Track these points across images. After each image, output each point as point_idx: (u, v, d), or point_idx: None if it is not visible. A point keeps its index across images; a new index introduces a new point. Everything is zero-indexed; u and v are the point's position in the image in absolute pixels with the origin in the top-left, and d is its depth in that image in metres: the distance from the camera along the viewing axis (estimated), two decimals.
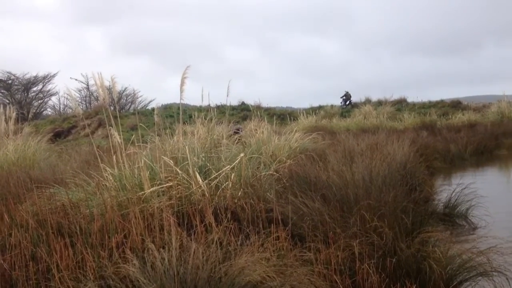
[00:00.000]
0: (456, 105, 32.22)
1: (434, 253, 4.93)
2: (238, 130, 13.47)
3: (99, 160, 6.32)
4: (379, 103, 33.78)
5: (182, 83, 6.92)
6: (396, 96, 36.43)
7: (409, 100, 36.45)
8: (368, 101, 34.89)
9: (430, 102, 34.97)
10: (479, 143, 18.76)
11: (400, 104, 34.41)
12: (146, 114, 28.53)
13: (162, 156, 6.39)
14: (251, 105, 29.29)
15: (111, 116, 6.59)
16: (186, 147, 6.53)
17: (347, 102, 32.89)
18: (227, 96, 8.32)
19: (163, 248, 3.79)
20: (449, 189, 9.66)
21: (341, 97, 33.67)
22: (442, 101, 34.61)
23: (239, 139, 12.97)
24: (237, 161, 6.55)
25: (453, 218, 8.36)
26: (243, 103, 35.74)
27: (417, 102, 35.72)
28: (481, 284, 4.79)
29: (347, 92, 33.10)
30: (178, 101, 7.33)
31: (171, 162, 6.28)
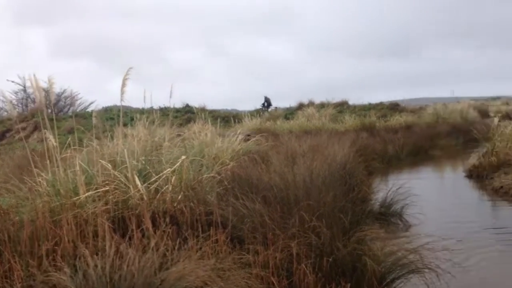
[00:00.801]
0: (394, 107, 33.31)
1: (369, 251, 5.08)
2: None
3: (32, 164, 6.08)
4: (322, 105, 34.38)
5: (123, 85, 6.79)
6: (338, 99, 37.20)
7: (351, 102, 37.35)
8: (311, 104, 35.44)
9: (370, 104, 35.97)
10: (415, 143, 19.50)
11: (342, 106, 35.17)
12: (85, 116, 27.68)
13: (100, 160, 6.23)
14: (195, 107, 29.01)
15: (46, 119, 6.37)
16: (125, 150, 6.39)
17: (267, 107, 32.75)
18: (170, 98, 8.23)
19: (97, 254, 3.69)
20: (386, 188, 9.98)
21: (261, 104, 33.37)
22: (381, 103, 35.68)
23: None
24: (178, 163, 6.49)
25: (389, 216, 8.65)
26: (187, 106, 35.41)
27: (358, 105, 36.65)
28: (412, 281, 4.98)
29: (267, 97, 32.99)
30: (120, 103, 7.18)
31: (109, 166, 6.14)
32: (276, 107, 33.09)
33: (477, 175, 13.37)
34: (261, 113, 28.72)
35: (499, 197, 10.87)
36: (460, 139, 21.47)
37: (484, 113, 32.69)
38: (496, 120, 17.57)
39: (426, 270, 4.86)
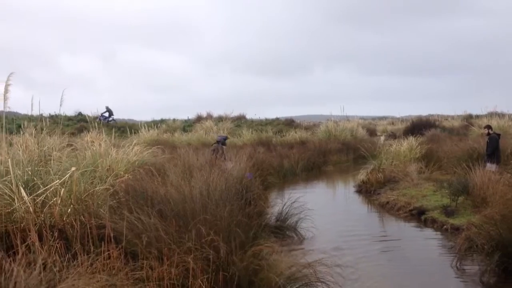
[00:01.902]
0: (290, 123, 34.46)
1: (266, 265, 5.15)
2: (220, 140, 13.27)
3: None
4: (220, 118, 34.66)
5: (6, 91, 6.37)
6: (236, 113, 37.78)
7: (248, 117, 38.10)
8: (209, 117, 35.58)
9: (267, 119, 36.93)
10: (309, 159, 20.25)
11: (240, 121, 35.72)
12: None
13: None
14: (89, 116, 27.95)
15: None
16: (9, 159, 5.95)
17: (110, 118, 31.83)
18: (61, 105, 7.82)
19: None
20: (281, 202, 10.24)
21: (101, 113, 32.23)
22: (277, 119, 36.76)
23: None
24: (68, 175, 6.16)
25: (284, 230, 8.87)
26: (80, 114, 33.96)
27: (255, 119, 37.47)
28: None
29: (108, 108, 32.13)
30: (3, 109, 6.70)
31: None
32: (114, 119, 31.98)
33: (366, 190, 14.17)
34: (101, 123, 27.18)
35: (386, 212, 11.59)
36: (350, 155, 22.62)
37: (372, 132, 34.83)
38: (382, 138, 18.81)
39: (319, 284, 5.03)
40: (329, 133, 26.90)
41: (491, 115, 30.91)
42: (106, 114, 31.19)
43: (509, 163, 10.93)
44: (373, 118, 58.36)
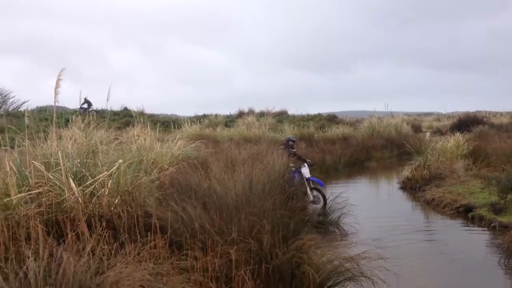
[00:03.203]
0: (332, 118, 34.15)
1: (308, 259, 5.13)
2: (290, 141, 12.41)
3: None
4: (262, 114, 34.71)
5: (57, 85, 6.55)
6: (277, 108, 37.75)
7: (290, 112, 38.00)
8: (251, 112, 35.70)
9: (308, 115, 36.70)
10: (352, 155, 20.01)
11: (281, 116, 35.67)
12: (18, 116, 26.51)
13: (32, 161, 5.96)
14: (134, 111, 28.49)
15: None
16: (59, 151, 6.15)
17: (88, 109, 31.46)
18: (108, 100, 8.02)
19: (29, 258, 3.51)
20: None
21: (81, 104, 31.83)
22: (319, 115, 36.50)
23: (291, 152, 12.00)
24: (114, 167, 6.31)
25: (326, 225, 8.82)
26: (125, 109, 34.72)
27: (297, 115, 37.31)
28: None
29: (87, 99, 31.76)
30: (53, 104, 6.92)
31: (42, 167, 5.88)
32: (94, 110, 31.68)
33: (410, 187, 13.90)
34: (80, 114, 26.48)
35: (432, 209, 11.34)
36: (394, 151, 22.22)
37: (417, 128, 34.07)
38: (428, 134, 18.36)
39: (362, 278, 4.97)
40: (372, 129, 26.45)
41: None
42: (85, 106, 31.11)
43: None
44: (418, 114, 57.04)
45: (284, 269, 4.91)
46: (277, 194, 7.33)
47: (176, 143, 11.14)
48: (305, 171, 11.03)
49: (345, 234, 8.72)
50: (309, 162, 11.57)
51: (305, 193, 10.71)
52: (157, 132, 12.67)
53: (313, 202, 10.47)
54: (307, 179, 10.89)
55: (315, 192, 10.72)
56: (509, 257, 6.93)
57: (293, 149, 12.05)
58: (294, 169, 11.06)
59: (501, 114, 41.81)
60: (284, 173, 10.33)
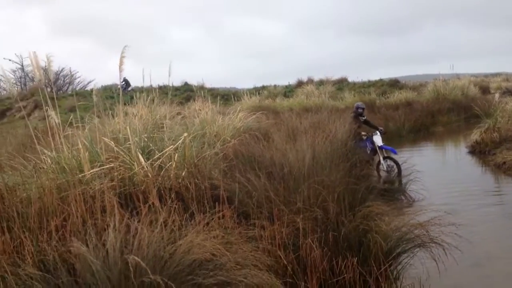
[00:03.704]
0: (394, 84, 33.15)
1: (375, 226, 5.09)
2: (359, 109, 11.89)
3: (36, 142, 6.05)
4: (321, 82, 34.22)
5: (121, 63, 6.72)
6: (337, 76, 37.08)
7: (350, 79, 37.23)
8: (310, 81, 35.30)
9: (369, 81, 35.80)
10: (416, 120, 19.46)
11: (341, 84, 35.04)
12: (85, 95, 27.55)
13: (102, 137, 6.21)
14: (194, 86, 28.90)
15: (47, 97, 6.32)
16: (128, 127, 6.37)
17: (125, 88, 31.04)
18: (169, 76, 8.17)
19: (105, 230, 3.70)
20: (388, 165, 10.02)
21: (120, 83, 31.16)
22: (381, 80, 35.51)
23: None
24: (180, 141, 6.46)
25: (393, 193, 8.68)
26: (186, 84, 35.28)
27: (357, 82, 36.49)
28: (419, 255, 5.00)
29: (126, 79, 31.30)
30: (118, 82, 7.15)
31: (112, 143, 6.12)
32: (133, 89, 31.40)
33: (479, 151, 13.39)
34: (119, 94, 25.90)
35: (502, 172, 10.90)
36: (461, 115, 21.39)
37: (485, 90, 32.53)
38: (497, 96, 17.50)
39: (433, 245, 4.87)
40: (437, 93, 25.49)
41: None
42: (123, 84, 31.07)
43: None
44: (486, 75, 54.31)
45: (351, 237, 4.89)
46: (341, 162, 7.29)
47: (237, 115, 11.24)
48: (377, 139, 10.81)
49: (412, 201, 8.56)
50: (381, 130, 11.33)
51: (379, 162, 10.60)
52: (218, 105, 12.82)
53: (387, 171, 10.28)
54: (380, 147, 10.70)
55: (388, 161, 10.52)
56: None
57: (363, 116, 11.76)
58: (365, 137, 10.92)
59: None
60: (346, 141, 10.23)
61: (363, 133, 10.94)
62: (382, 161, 10.41)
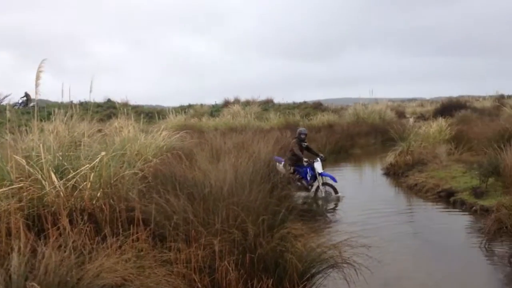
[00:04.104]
0: (318, 106, 34.16)
1: (292, 247, 5.15)
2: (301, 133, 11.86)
3: None
4: (247, 103, 34.62)
5: (38, 77, 6.44)
6: (263, 97, 37.68)
7: (276, 101, 37.96)
8: (237, 101, 35.59)
9: (294, 103, 36.69)
10: (337, 142, 20.08)
11: (267, 105, 35.64)
12: (0, 110, 26.14)
13: (14, 155, 5.88)
14: (118, 103, 28.31)
15: None
16: (41, 145, 6.08)
17: (26, 103, 30.51)
18: (90, 92, 7.92)
19: (9, 254, 3.49)
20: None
21: (20, 98, 30.71)
22: (305, 103, 36.50)
23: None
24: (97, 160, 6.25)
25: (311, 213, 8.84)
26: (109, 100, 34.41)
27: (283, 103, 37.28)
28: (332, 276, 5.12)
29: (27, 93, 30.88)
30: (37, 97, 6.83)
31: (23, 161, 5.81)
32: (34, 104, 30.79)
33: (394, 173, 14.02)
34: (18, 108, 25.59)
35: (414, 194, 11.47)
36: (378, 138, 22.34)
37: (400, 114, 34.26)
38: (411, 120, 18.50)
39: (345, 265, 5.01)
40: (357, 116, 26.58)
41: None
42: (24, 99, 30.17)
43: None
44: (402, 100, 57.37)
45: (268, 258, 4.92)
46: (263, 183, 7.35)
47: (160, 134, 11.08)
48: (318, 166, 10.99)
49: (330, 221, 8.77)
50: (322, 157, 11.52)
51: (317, 188, 10.84)
52: (141, 123, 12.57)
53: (325, 197, 10.46)
54: (320, 174, 10.88)
55: (327, 187, 10.75)
56: (490, 240, 7.03)
57: (305, 142, 11.85)
58: (306, 163, 11.07)
59: (484, 98, 42.16)
60: (269, 162, 10.35)
61: (305, 159, 11.06)
62: (321, 187, 10.66)
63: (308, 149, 11.84)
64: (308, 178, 11.04)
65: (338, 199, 10.44)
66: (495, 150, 10.52)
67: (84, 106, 21.69)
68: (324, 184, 10.78)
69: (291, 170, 11.29)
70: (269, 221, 5.52)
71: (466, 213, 9.31)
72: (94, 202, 5.35)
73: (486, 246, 6.99)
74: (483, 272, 6.29)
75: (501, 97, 37.96)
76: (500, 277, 6.14)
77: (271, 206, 5.99)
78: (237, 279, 4.45)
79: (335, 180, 10.83)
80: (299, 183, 11.07)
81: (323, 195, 10.58)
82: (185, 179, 6.79)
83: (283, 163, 11.20)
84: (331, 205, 10.12)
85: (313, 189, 10.93)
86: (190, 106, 36.60)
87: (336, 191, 10.56)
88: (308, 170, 11.07)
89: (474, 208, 9.29)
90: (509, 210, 7.04)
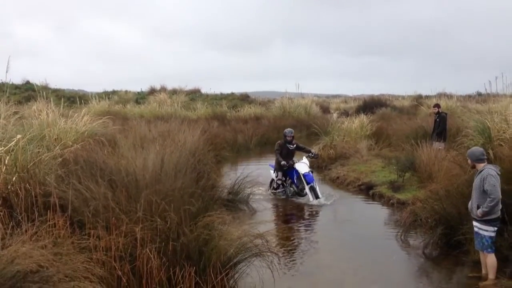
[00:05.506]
0: (245, 98, 34.39)
1: (216, 236, 5.16)
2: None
3: None
4: (174, 91, 34.13)
5: None
6: (191, 87, 37.34)
7: (203, 91, 37.76)
8: (163, 89, 34.99)
9: (222, 94, 36.71)
10: (263, 134, 20.32)
11: (195, 94, 35.36)
12: None
13: None
14: (37, 85, 26.92)
15: None
16: None
17: None
18: (7, 72, 7.50)
19: None
20: (234, 176, 10.28)
21: None
22: (233, 94, 36.62)
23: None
24: (13, 143, 5.94)
25: (236, 203, 8.91)
26: (28, 82, 32.79)
27: (210, 94, 37.18)
28: (256, 264, 5.18)
29: None
30: None
31: None
32: (126, 91, 30.96)
33: (317, 166, 14.38)
34: None
35: (336, 186, 11.85)
36: (303, 132, 22.76)
37: (325, 109, 35.16)
38: (335, 116, 19.04)
39: (269, 254, 5.09)
40: (283, 110, 26.98)
41: (440, 96, 31.69)
42: None
43: (454, 141, 11.28)
44: (327, 96, 59.00)
45: (191, 247, 4.88)
46: (188, 172, 7.28)
47: (82, 119, 10.68)
48: (300, 167, 10.54)
49: (254, 211, 8.87)
50: (313, 154, 11.36)
51: (303, 191, 10.38)
52: (62, 107, 12.05)
53: (311, 196, 10.12)
54: (303, 175, 10.34)
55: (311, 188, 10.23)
56: (406, 232, 7.41)
57: (292, 144, 11.13)
58: (285, 167, 10.55)
59: (403, 97, 44.17)
60: (195, 151, 10.26)
61: (283, 162, 10.53)
62: (306, 188, 10.20)
63: (298, 148, 11.31)
64: (296, 182, 10.59)
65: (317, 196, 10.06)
66: (412, 146, 11.08)
67: (0, 87, 20.53)
68: (311, 188, 10.21)
69: (280, 176, 10.84)
70: (192, 209, 5.49)
71: (384, 206, 9.75)
72: (9, 186, 5.08)
73: (402, 237, 7.35)
74: (399, 261, 6.61)
75: (419, 97, 39.88)
76: (414, 266, 6.49)
77: (196, 195, 5.96)
78: (159, 266, 4.39)
79: (311, 180, 10.28)
80: (291, 188, 10.69)
81: (312, 199, 10.02)
82: (106, 166, 6.59)
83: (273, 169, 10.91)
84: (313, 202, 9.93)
85: (307, 191, 10.25)
86: (114, 92, 35.60)
87: (316, 196, 10.07)
88: (294, 173, 10.62)
89: (391, 201, 9.74)
90: (423, 203, 7.43)
